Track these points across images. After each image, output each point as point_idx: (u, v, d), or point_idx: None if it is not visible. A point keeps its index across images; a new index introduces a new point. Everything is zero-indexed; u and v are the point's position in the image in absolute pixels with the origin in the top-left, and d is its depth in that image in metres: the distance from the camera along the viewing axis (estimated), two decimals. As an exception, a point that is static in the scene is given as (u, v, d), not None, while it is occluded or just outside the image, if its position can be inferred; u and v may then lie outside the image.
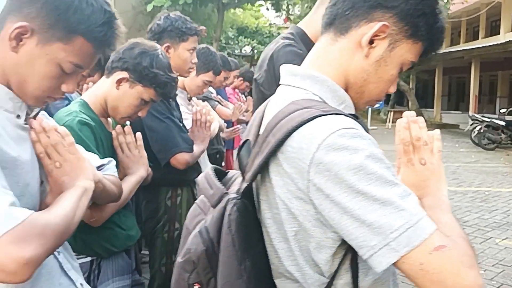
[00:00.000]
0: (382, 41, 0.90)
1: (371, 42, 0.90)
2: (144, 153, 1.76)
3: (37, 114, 1.12)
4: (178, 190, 2.18)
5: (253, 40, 20.89)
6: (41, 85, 1.01)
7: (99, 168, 1.33)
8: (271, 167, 0.86)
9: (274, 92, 1.51)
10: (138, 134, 1.77)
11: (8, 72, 1.00)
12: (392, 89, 0.97)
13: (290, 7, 14.26)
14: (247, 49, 20.86)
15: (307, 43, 1.61)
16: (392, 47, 0.90)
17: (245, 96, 5.61)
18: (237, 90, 5.61)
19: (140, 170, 1.69)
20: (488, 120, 11.93)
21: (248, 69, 5.90)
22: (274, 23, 24.55)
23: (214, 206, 0.88)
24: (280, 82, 1.01)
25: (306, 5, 16.41)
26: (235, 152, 5.65)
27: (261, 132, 1.00)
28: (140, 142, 1.76)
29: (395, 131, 0.99)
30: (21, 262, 0.79)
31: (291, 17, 14.56)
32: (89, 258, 1.51)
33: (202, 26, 2.38)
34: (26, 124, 1.07)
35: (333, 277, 0.85)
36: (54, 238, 0.87)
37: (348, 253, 0.84)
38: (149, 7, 10.71)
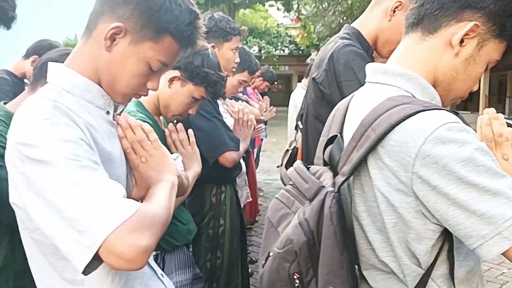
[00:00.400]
0: (472, 40, 0.93)
1: (461, 41, 0.93)
2: (197, 149, 1.80)
3: (122, 111, 1.16)
4: (222, 187, 2.22)
5: (261, 41, 20.97)
6: (130, 83, 1.05)
7: None
8: (370, 161, 0.90)
9: (333, 90, 1.55)
10: (190, 131, 1.81)
11: (100, 70, 1.04)
12: (476, 87, 1.00)
13: (300, 7, 14.31)
14: (255, 49, 20.93)
15: (363, 43, 1.64)
16: (481, 46, 0.94)
17: (262, 96, 5.66)
18: (256, 90, 5.65)
19: (195, 166, 1.73)
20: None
21: (268, 69, 5.94)
22: (282, 23, 24.61)
23: (311, 200, 0.92)
24: (366, 80, 1.05)
25: (313, 5, 16.40)
26: (255, 150, 5.71)
27: (346, 127, 1.04)
28: (192, 138, 1.80)
29: (477, 127, 1.03)
30: (139, 250, 0.83)
31: (301, 17, 14.58)
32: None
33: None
34: (113, 120, 1.11)
35: (430, 268, 0.89)
36: (160, 228, 0.90)
37: (445, 245, 0.88)
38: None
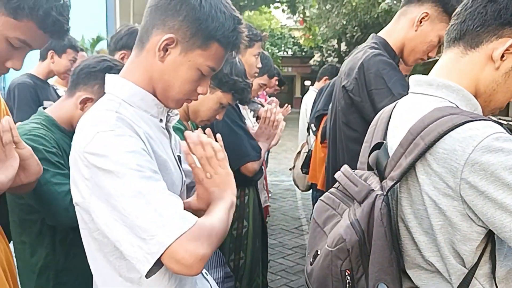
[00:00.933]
0: (511, 55, 1.00)
1: (501, 56, 1.00)
2: (225, 154, 1.86)
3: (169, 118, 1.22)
4: (246, 190, 2.28)
5: (265, 42, 21.11)
6: (183, 89, 1.11)
7: None
8: (418, 167, 0.96)
9: (363, 98, 1.62)
10: (218, 135, 1.86)
11: (154, 79, 1.10)
12: None
13: (305, 9, 14.39)
14: (258, 51, 21.00)
15: (390, 52, 1.71)
16: None
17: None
18: (264, 92, 5.71)
19: None
20: (505, 122, 11.92)
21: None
22: (285, 25, 24.73)
23: (361, 202, 0.98)
24: (410, 91, 1.12)
25: (316, 6, 16.48)
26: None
27: (390, 135, 1.11)
28: (221, 143, 1.86)
29: None
30: (197, 257, 0.90)
31: (306, 19, 14.65)
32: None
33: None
34: (164, 128, 1.17)
35: (474, 268, 0.95)
36: (216, 240, 0.97)
37: (488, 246, 0.95)
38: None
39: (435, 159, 0.93)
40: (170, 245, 0.89)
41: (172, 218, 0.91)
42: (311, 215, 5.64)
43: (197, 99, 1.19)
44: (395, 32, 1.75)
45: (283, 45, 23.23)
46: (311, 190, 4.36)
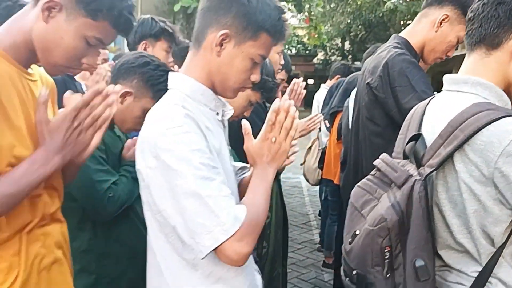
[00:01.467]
0: None
1: None
2: (295, 135, 1.96)
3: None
4: (270, 182, 2.38)
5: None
6: (239, 79, 1.21)
7: (243, 170, 1.52)
8: (455, 156, 1.07)
9: (387, 95, 1.73)
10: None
11: (212, 73, 1.20)
12: None
13: (312, 8, 14.43)
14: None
15: (411, 51, 1.82)
16: None
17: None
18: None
19: None
20: None
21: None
22: (289, 23, 24.77)
23: (401, 186, 1.09)
24: (444, 89, 1.22)
25: (321, 4, 16.59)
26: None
27: (424, 127, 1.21)
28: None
29: None
30: (242, 255, 1.05)
31: (312, 18, 14.71)
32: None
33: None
34: (220, 120, 1.28)
35: (501, 247, 1.06)
36: (259, 231, 1.11)
37: None
38: (176, 7, 10.85)
39: (473, 149, 1.03)
40: (222, 243, 1.03)
41: (226, 219, 1.03)
42: (319, 212, 5.73)
43: (250, 87, 1.29)
44: (416, 33, 1.85)
45: (287, 44, 23.28)
46: (318, 186, 4.48)
